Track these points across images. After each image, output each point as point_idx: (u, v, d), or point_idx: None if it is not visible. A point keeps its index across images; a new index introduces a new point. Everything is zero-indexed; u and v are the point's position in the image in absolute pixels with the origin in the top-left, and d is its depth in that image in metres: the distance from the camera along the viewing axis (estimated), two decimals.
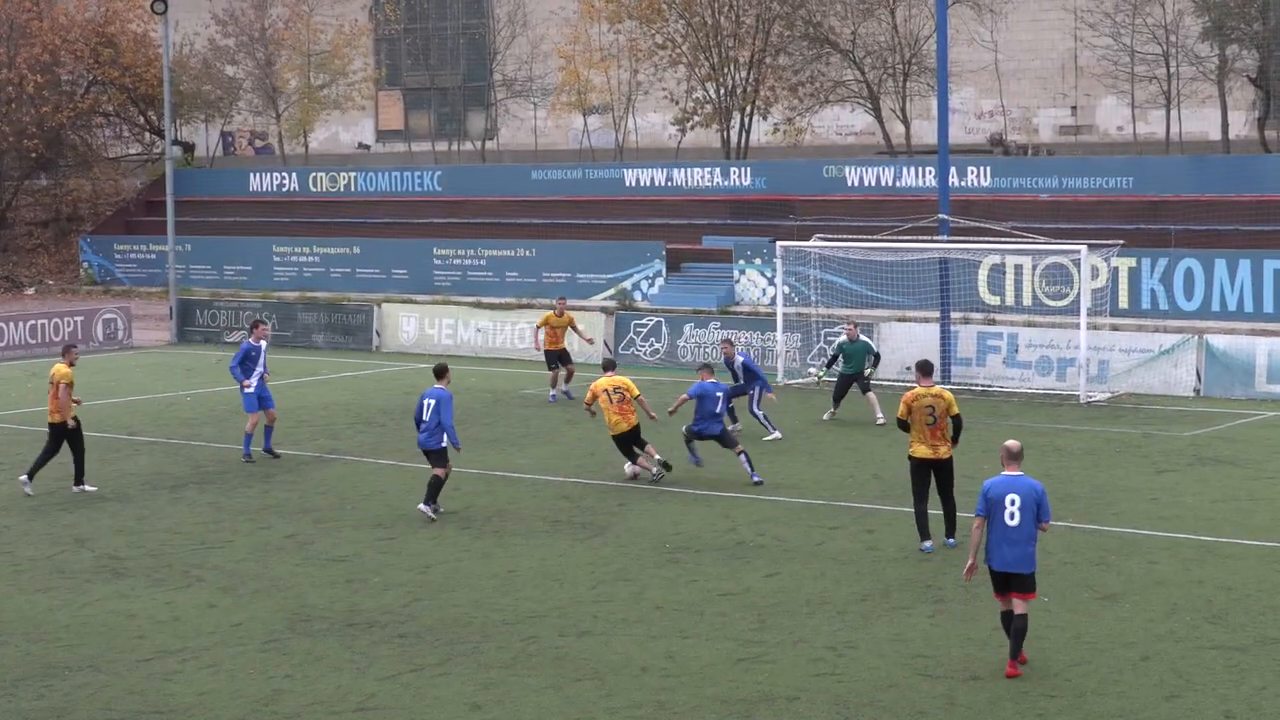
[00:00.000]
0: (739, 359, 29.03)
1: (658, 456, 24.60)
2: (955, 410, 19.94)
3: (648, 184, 53.83)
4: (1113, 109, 56.09)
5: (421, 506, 22.40)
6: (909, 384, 31.30)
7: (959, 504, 20.35)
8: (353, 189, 60.06)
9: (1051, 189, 46.61)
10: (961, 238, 36.19)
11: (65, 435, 24.51)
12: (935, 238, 35.38)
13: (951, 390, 22.92)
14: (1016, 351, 34.65)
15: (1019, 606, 15.31)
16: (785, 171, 51.99)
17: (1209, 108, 52.37)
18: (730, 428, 26.70)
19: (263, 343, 27.43)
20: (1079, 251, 34.14)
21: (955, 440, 20.07)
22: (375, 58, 70.72)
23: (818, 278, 39.64)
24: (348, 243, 55.62)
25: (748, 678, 15.30)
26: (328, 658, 16.16)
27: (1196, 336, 33.83)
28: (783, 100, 56.87)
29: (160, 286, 56.01)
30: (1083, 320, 32.78)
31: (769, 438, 28.24)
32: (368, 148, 71.47)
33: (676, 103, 58.12)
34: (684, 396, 25.16)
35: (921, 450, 19.97)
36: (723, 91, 56.90)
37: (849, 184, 49.81)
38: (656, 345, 38.72)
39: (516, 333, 40.95)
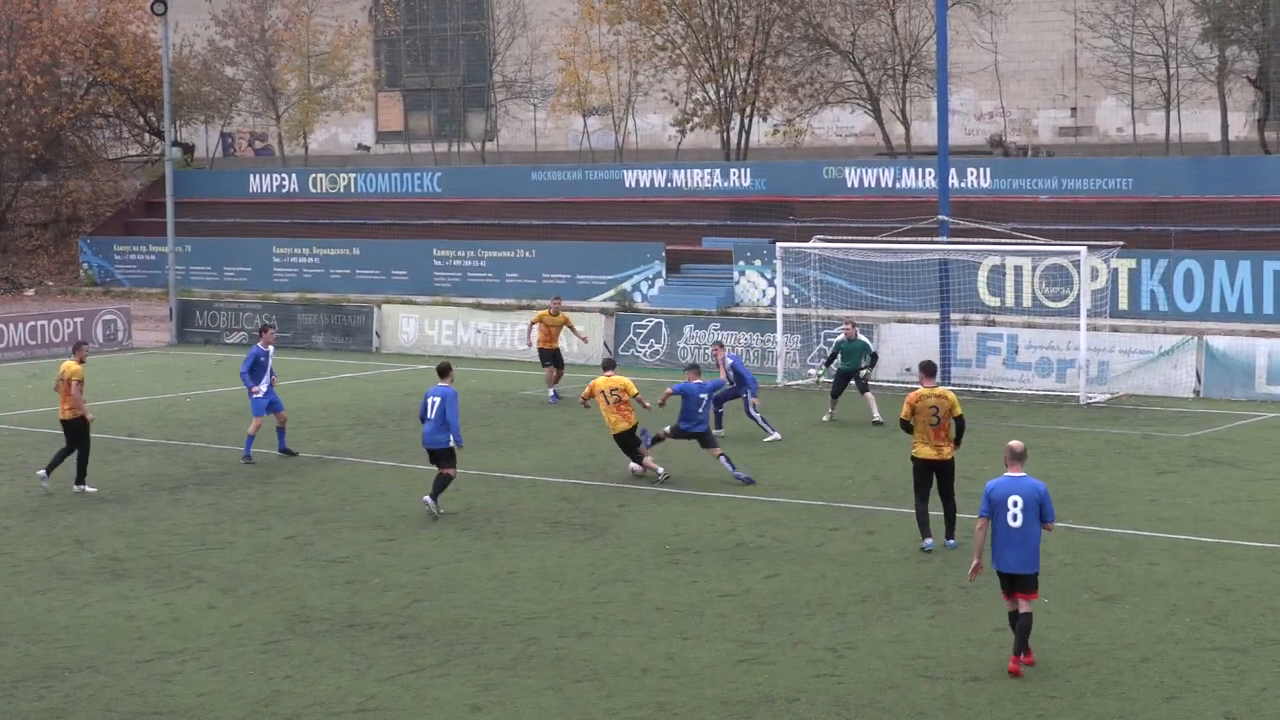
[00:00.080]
0: (728, 361, 29.11)
1: (659, 470, 24.75)
2: (959, 411, 19.96)
3: (648, 185, 53.83)
4: (1112, 110, 56.10)
5: (426, 499, 22.52)
6: (909, 385, 31.36)
7: (960, 505, 20.39)
8: (352, 190, 60.06)
9: (1051, 190, 46.61)
10: (961, 239, 36.18)
11: (81, 430, 24.56)
12: (935, 239, 35.37)
13: (951, 392, 22.90)
14: (1016, 353, 34.65)
15: (1023, 606, 15.38)
16: (785, 173, 51.98)
17: (1209, 109, 52.38)
18: (714, 432, 27.08)
19: (270, 348, 27.48)
20: (1079, 253, 34.14)
21: (958, 441, 20.09)
22: (375, 59, 70.74)
23: (817, 279, 39.63)
24: (347, 244, 55.62)
25: (748, 679, 15.30)
26: (328, 659, 16.16)
27: (1196, 338, 33.83)
28: (783, 101, 56.87)
29: (160, 288, 56.02)
30: (1082, 321, 32.77)
31: (769, 439, 28.23)
32: (367, 149, 71.47)
33: (676, 104, 58.12)
34: (669, 390, 25.22)
35: (925, 451, 19.97)
36: (722, 93, 56.90)
37: (849, 185, 49.81)
38: (656, 346, 38.71)
39: (516, 334, 40.94)
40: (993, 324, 39.55)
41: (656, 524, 21.88)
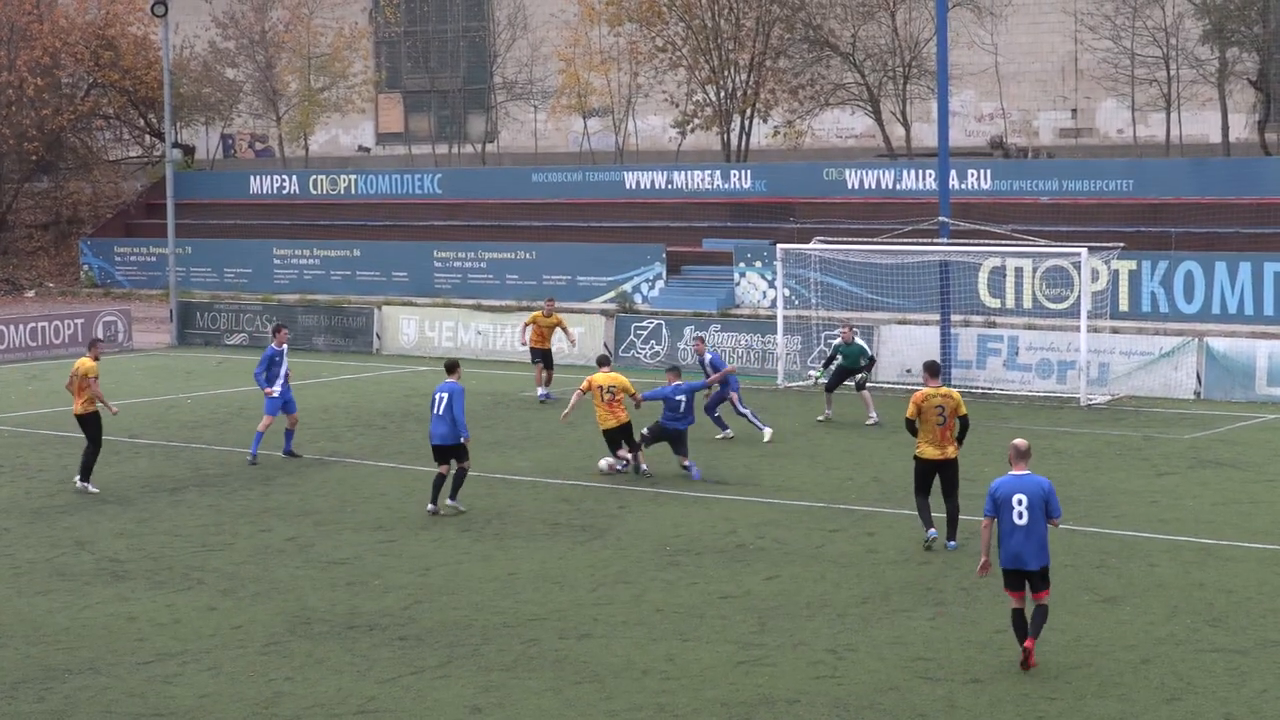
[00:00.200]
0: (708, 356, 29.29)
1: (643, 465, 25.14)
2: (963, 411, 20.03)
3: (648, 186, 53.85)
4: (1113, 112, 56.11)
5: (450, 501, 22.74)
6: (909, 386, 31.38)
7: (962, 506, 20.41)
8: (353, 191, 60.08)
9: (1052, 192, 46.62)
10: (962, 240, 36.18)
11: (95, 426, 24.64)
12: (935, 240, 35.38)
13: (956, 391, 22.92)
14: (1017, 354, 34.65)
15: (1040, 601, 15.53)
16: (785, 174, 52.00)
17: (1209, 110, 52.39)
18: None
19: (284, 347, 27.52)
20: (1079, 254, 34.14)
21: (960, 439, 20.13)
22: (375, 60, 70.77)
23: (818, 280, 39.64)
24: (348, 245, 55.65)
25: (748, 680, 15.30)
26: (328, 660, 16.16)
27: (1197, 339, 33.83)
28: (783, 103, 56.90)
29: (160, 289, 56.06)
30: (1083, 323, 32.77)
31: (765, 440, 28.25)
32: (368, 150, 71.50)
33: (677, 105, 58.14)
34: (640, 397, 25.44)
35: (929, 451, 20.01)
36: (723, 94, 56.92)
37: (849, 186, 49.83)
38: (657, 348, 38.71)
39: (517, 335, 40.90)
40: (993, 325, 39.56)
41: (657, 525, 21.88)
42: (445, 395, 22.64)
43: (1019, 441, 15.86)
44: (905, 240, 36.35)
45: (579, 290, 50.21)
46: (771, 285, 44.39)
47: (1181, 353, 33.21)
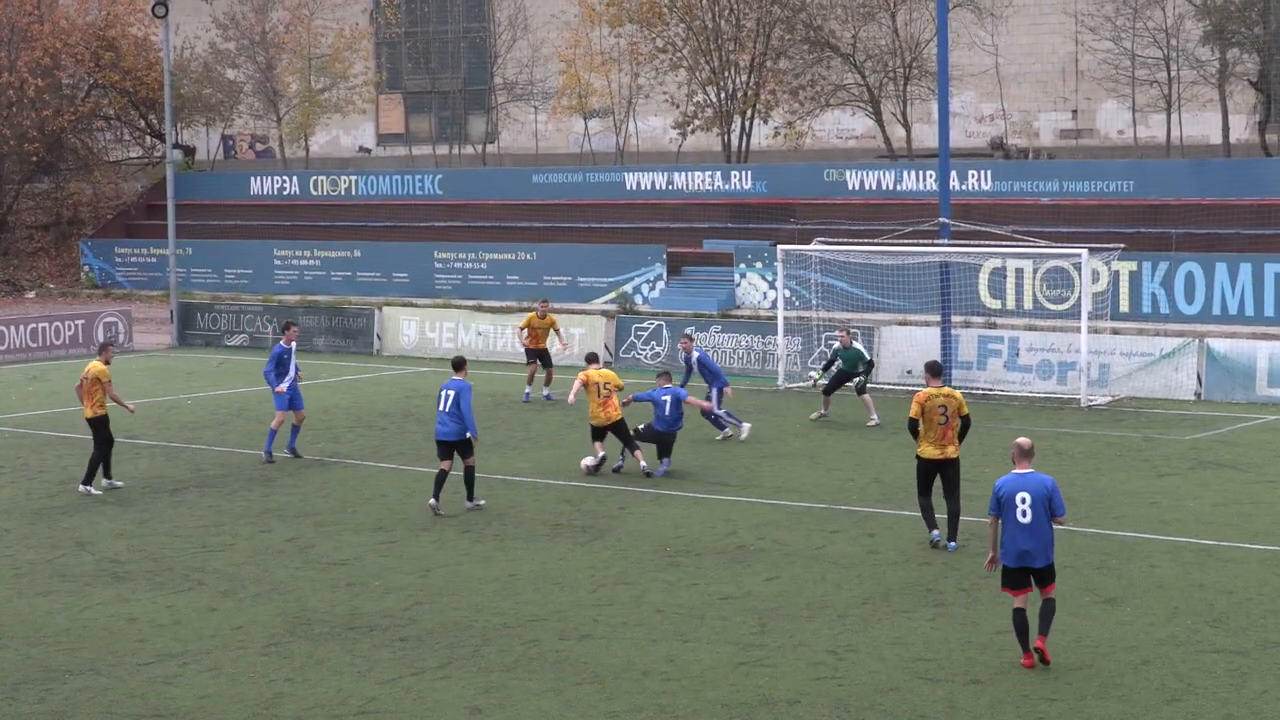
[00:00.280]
0: (695, 355, 29.43)
1: (642, 463, 25.34)
2: (965, 410, 20.15)
3: (648, 187, 53.86)
4: (1113, 113, 56.11)
5: (469, 503, 22.90)
6: (910, 387, 31.40)
7: (964, 507, 20.46)
8: (353, 192, 60.08)
9: (1052, 193, 46.62)
10: (962, 241, 36.19)
11: (104, 429, 24.70)
12: (936, 241, 35.39)
13: (958, 392, 22.94)
14: (1017, 355, 34.66)
15: (1047, 595, 15.63)
16: (786, 175, 52.00)
17: (1210, 111, 52.38)
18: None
19: (293, 345, 27.62)
20: (1080, 255, 34.15)
21: (960, 438, 20.20)
22: (376, 61, 70.76)
23: (818, 281, 39.65)
24: (348, 246, 55.65)
25: (748, 681, 15.30)
26: (329, 661, 16.16)
27: (1197, 340, 33.84)
28: (783, 104, 56.89)
29: (161, 290, 56.07)
30: (1083, 324, 32.78)
31: (742, 437, 28.28)
32: (368, 151, 71.50)
33: (677, 106, 58.14)
34: (628, 398, 25.89)
35: (929, 451, 20.08)
36: (723, 95, 56.92)
37: (850, 188, 49.83)
38: (657, 349, 38.71)
39: (517, 336, 40.95)
40: (994, 326, 39.55)
41: (657, 526, 21.88)
42: (452, 392, 22.80)
43: (1022, 440, 15.91)
44: (906, 241, 36.36)
45: (579, 291, 50.21)
46: (772, 286, 44.39)
47: (1182, 354, 33.21)
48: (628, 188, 54.23)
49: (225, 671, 15.88)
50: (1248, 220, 42.80)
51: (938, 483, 20.30)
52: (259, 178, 62.97)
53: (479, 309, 46.88)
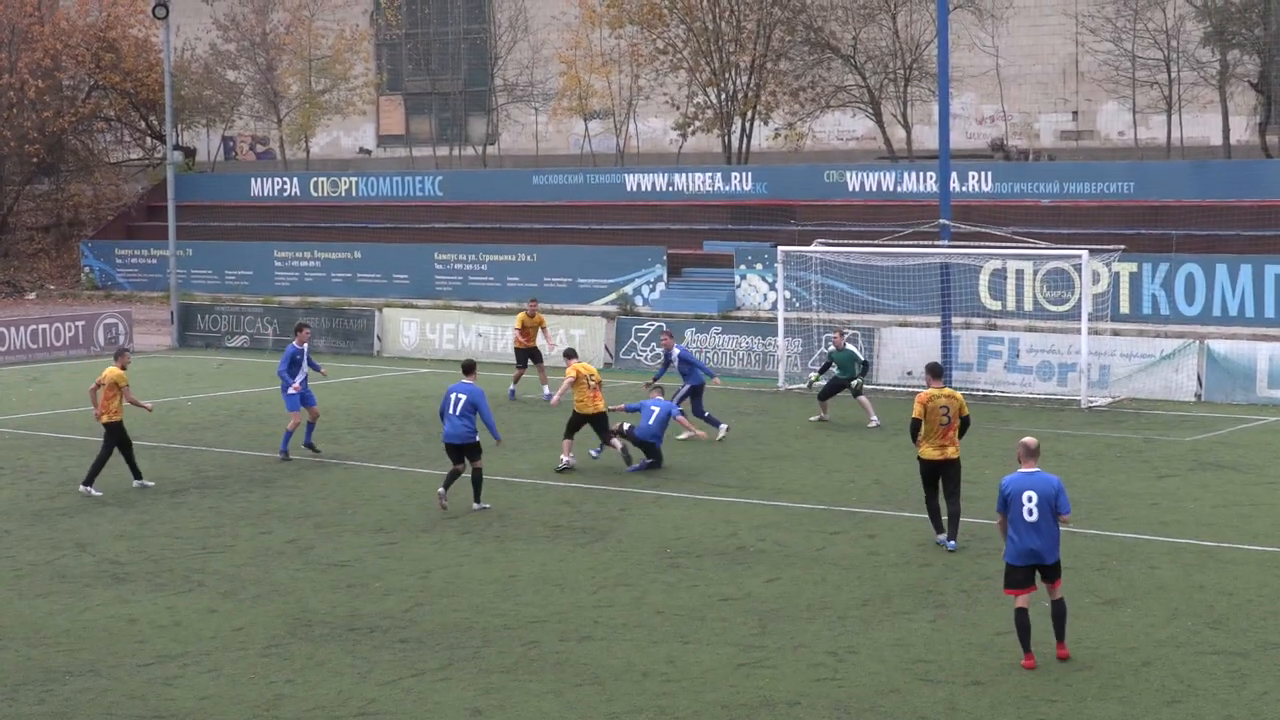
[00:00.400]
0: (676, 351, 29.58)
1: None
2: (966, 411, 20.21)
3: (649, 189, 53.88)
4: (1114, 114, 56.12)
5: (475, 505, 22.99)
6: (910, 388, 31.40)
7: (964, 509, 20.48)
8: (354, 194, 60.11)
9: (1053, 194, 46.64)
10: (963, 243, 36.20)
11: (118, 434, 24.76)
12: (936, 243, 35.39)
13: (959, 392, 22.97)
14: (1017, 356, 34.66)
15: (1055, 594, 15.74)
16: (786, 176, 52.02)
17: (1210, 113, 52.40)
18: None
19: (305, 345, 27.83)
20: (1080, 256, 34.14)
21: (959, 436, 20.26)
22: (376, 63, 70.79)
23: (819, 283, 39.66)
24: (349, 247, 55.69)
25: (748, 683, 15.29)
26: (329, 663, 16.15)
27: (1197, 341, 33.83)
28: (784, 105, 56.91)
29: (161, 291, 56.09)
30: (1084, 325, 32.77)
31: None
32: (369, 152, 71.51)
33: (677, 108, 58.15)
34: (620, 407, 26.72)
35: (929, 452, 20.12)
36: (724, 96, 56.94)
37: (850, 189, 49.86)
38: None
39: (516, 336, 40.96)
40: (994, 328, 39.56)
41: (657, 528, 21.88)
42: (464, 396, 22.88)
43: (1028, 439, 15.99)
44: (906, 243, 36.36)
45: (580, 292, 50.23)
46: (772, 287, 44.40)
47: (1182, 355, 33.20)
48: (628, 189, 54.26)
49: (225, 673, 15.88)
50: (1248, 221, 42.82)
51: (941, 484, 20.36)
52: (259, 179, 63.00)
53: (479, 310, 46.88)
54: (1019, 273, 41.98)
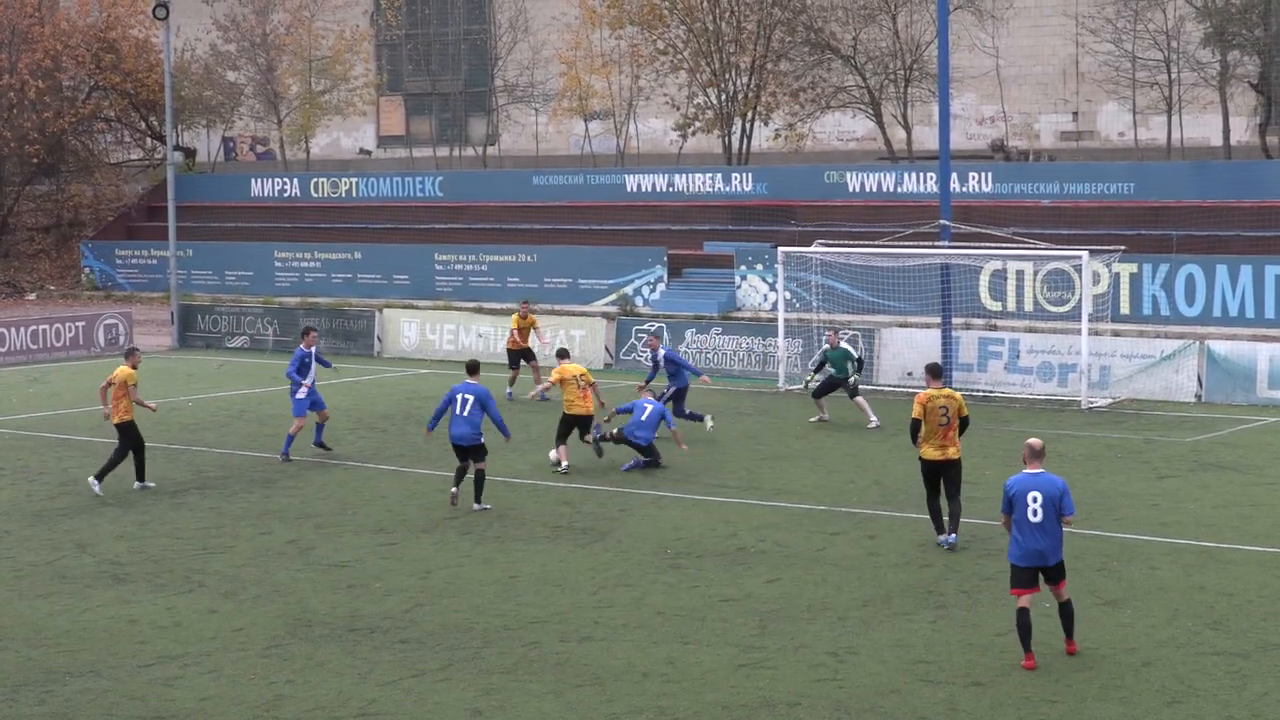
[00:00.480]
0: (662, 352, 29.69)
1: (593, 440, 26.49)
2: (965, 411, 20.27)
3: (649, 189, 53.88)
4: (1114, 115, 56.11)
5: (476, 505, 23.05)
6: (910, 389, 31.39)
7: (964, 509, 20.50)
8: (354, 194, 60.11)
9: (1053, 195, 46.64)
10: (963, 243, 36.20)
11: (133, 432, 24.79)
12: (936, 243, 35.39)
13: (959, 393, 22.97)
14: (1018, 357, 34.66)
15: (1061, 596, 15.85)
16: (787, 177, 52.02)
17: (1210, 113, 52.39)
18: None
19: (314, 349, 28.00)
20: (1080, 257, 34.14)
21: (958, 436, 20.32)
22: (377, 63, 70.78)
23: (819, 283, 39.66)
24: (349, 248, 55.69)
25: (749, 683, 15.29)
26: (329, 663, 16.16)
27: (1198, 342, 33.83)
28: (784, 106, 56.90)
29: (161, 292, 56.09)
30: (1084, 326, 32.77)
31: (707, 428, 28.98)
32: (369, 153, 71.51)
33: (678, 108, 58.14)
34: (612, 411, 26.96)
35: (930, 452, 20.17)
36: (724, 97, 56.93)
37: (850, 190, 49.86)
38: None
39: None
40: (994, 328, 39.56)
41: (658, 528, 21.88)
42: (471, 397, 23.04)
43: (1033, 441, 16.08)
44: (906, 243, 36.36)
45: (580, 293, 50.23)
46: (772, 288, 44.40)
47: (1182, 356, 33.20)
48: (628, 190, 54.27)
49: (226, 673, 15.88)
50: (1248, 222, 42.82)
51: (942, 485, 20.40)
52: (259, 180, 63.01)
53: (479, 311, 46.87)
54: (1019, 273, 41.98)
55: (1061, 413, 31.95)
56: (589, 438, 26.26)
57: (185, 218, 55.54)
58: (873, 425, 29.85)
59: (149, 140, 69.00)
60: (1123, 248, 37.32)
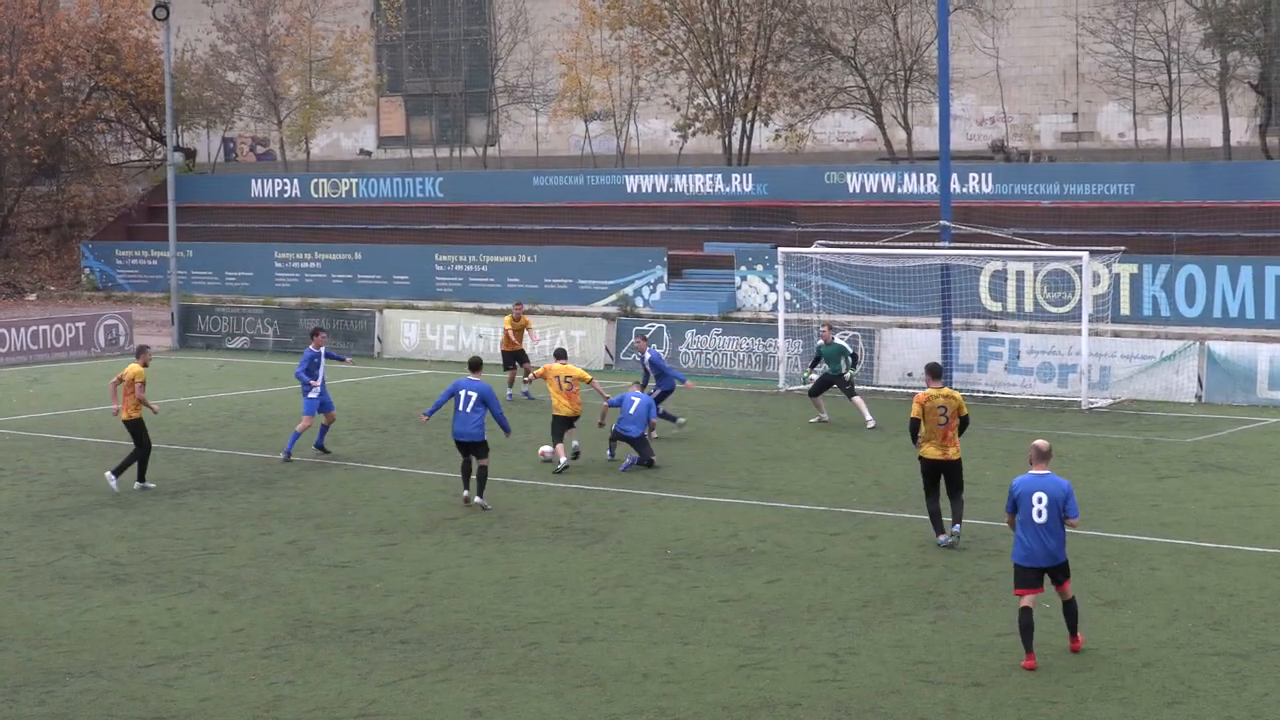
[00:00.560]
0: (647, 355, 29.73)
1: (575, 444, 26.63)
2: (965, 411, 20.29)
3: (649, 190, 53.87)
4: (1114, 115, 56.11)
5: (478, 499, 23.20)
6: (910, 390, 31.39)
7: (966, 510, 20.61)
8: (354, 195, 60.11)
9: (1053, 195, 46.63)
10: (963, 244, 36.19)
11: (140, 430, 24.86)
12: (937, 244, 35.39)
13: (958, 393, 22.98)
14: (1018, 358, 34.66)
15: (1065, 594, 15.90)
16: (787, 178, 52.02)
17: (1210, 114, 52.39)
18: (678, 423, 29.44)
19: (323, 349, 28.04)
20: (1081, 258, 34.15)
21: (958, 435, 20.34)
22: (377, 64, 70.78)
23: (819, 284, 39.66)
24: (349, 249, 55.69)
25: (749, 684, 15.30)
26: (329, 664, 16.16)
27: (1198, 343, 33.83)
28: (784, 107, 56.90)
29: (162, 292, 56.09)
30: (1084, 326, 32.77)
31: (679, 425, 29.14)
32: (369, 154, 71.51)
33: (678, 109, 58.14)
34: (605, 407, 26.90)
35: (931, 451, 20.20)
36: (724, 98, 56.93)
37: (850, 190, 49.86)
38: (659, 351, 38.67)
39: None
40: (994, 329, 39.55)
41: (658, 529, 21.89)
42: (474, 394, 23.11)
43: (1040, 442, 16.14)
44: (906, 244, 36.36)
45: (580, 294, 50.22)
46: (773, 289, 44.38)
47: (1183, 356, 33.20)
48: (629, 190, 54.26)
49: (226, 674, 15.89)
50: (1248, 223, 42.82)
51: (943, 485, 20.40)
52: (260, 180, 63.01)
53: (480, 311, 46.87)
54: (1019, 274, 41.98)
55: (1062, 413, 31.94)
56: (562, 443, 26.46)
57: (185, 218, 55.55)
58: (869, 425, 29.84)
59: (149, 141, 69.00)
60: (1123, 248, 37.32)
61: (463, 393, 23.21)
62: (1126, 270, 40.76)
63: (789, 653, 16.21)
